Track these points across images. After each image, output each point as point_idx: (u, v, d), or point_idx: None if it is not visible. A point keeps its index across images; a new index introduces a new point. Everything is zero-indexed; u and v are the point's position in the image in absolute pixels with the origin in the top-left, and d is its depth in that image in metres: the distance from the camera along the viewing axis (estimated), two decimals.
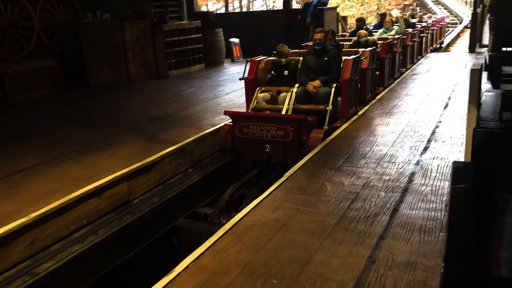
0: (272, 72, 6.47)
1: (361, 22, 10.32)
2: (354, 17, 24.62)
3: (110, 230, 4.24)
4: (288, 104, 6.03)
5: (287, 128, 5.40)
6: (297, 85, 6.22)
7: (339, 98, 6.10)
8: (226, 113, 5.88)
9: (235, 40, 13.45)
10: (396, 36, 9.51)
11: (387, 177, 4.15)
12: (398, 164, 4.47)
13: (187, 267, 2.85)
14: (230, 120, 5.93)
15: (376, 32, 10.66)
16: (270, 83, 6.51)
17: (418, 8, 30.42)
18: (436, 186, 3.89)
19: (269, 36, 13.24)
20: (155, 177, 5.13)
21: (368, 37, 8.45)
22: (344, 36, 10.38)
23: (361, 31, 8.77)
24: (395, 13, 13.74)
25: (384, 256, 2.83)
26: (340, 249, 2.95)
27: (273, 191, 4.02)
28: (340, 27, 14.06)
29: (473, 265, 0.96)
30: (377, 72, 8.01)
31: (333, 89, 5.99)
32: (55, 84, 9.59)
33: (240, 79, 6.75)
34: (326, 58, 6.20)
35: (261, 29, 13.87)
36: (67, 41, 10.43)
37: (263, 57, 6.88)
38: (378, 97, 7.69)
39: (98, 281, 4.07)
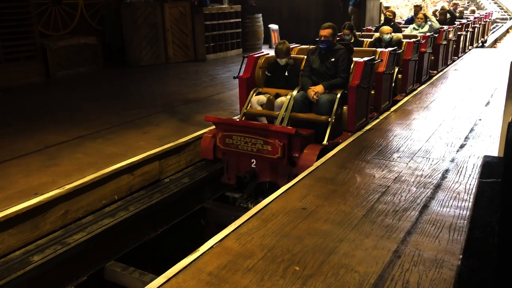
0: (267, 72, 5.66)
1: (390, 14, 8.98)
2: (397, 8, 23.96)
3: (140, 206, 4.34)
4: (285, 111, 5.14)
5: (275, 142, 4.50)
6: (297, 88, 5.33)
7: (345, 108, 5.19)
8: (207, 119, 5.00)
9: (274, 26, 13.36)
10: (427, 34, 8.32)
11: (420, 173, 4.06)
12: (432, 160, 4.37)
13: (211, 247, 2.89)
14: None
15: (407, 27, 9.50)
16: (268, 84, 5.68)
17: (466, 1, 29.31)
18: (470, 184, 3.78)
19: (309, 23, 13.10)
20: (187, 158, 5.20)
21: (392, 34, 7.31)
22: (370, 31, 9.08)
23: (384, 26, 7.54)
24: (441, 6, 12.87)
25: (410, 251, 2.79)
26: (366, 242, 2.92)
27: (301, 179, 4.00)
28: (382, 18, 13.75)
29: (491, 261, 0.93)
30: (400, 76, 7.06)
31: (337, 97, 5.07)
32: (95, 62, 9.83)
33: (235, 77, 5.84)
34: (333, 59, 5.21)
35: (301, 17, 13.74)
36: (108, 19, 10.63)
37: (264, 53, 6.02)
38: (413, 93, 7.50)
39: (125, 255, 4.18)
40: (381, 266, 2.64)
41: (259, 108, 5.49)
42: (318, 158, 4.50)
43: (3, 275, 3.24)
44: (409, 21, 10.48)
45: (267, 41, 13.18)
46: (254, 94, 5.57)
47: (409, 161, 4.36)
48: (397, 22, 9.82)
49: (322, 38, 5.20)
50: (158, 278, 2.56)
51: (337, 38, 6.78)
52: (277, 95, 5.47)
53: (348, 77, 5.21)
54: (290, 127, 4.73)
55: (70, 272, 3.70)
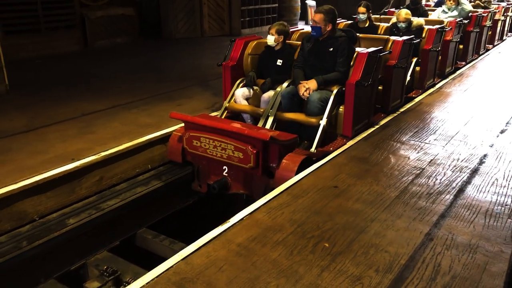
0: (250, 77, 4.79)
1: None
2: None
3: (172, 177, 4.40)
4: (272, 109, 4.43)
5: (247, 149, 3.77)
6: (288, 81, 4.59)
7: (341, 108, 4.38)
8: (173, 115, 4.22)
9: (311, 2, 13.12)
10: (457, 20, 7.20)
11: (457, 156, 3.96)
12: (470, 144, 4.24)
13: (242, 219, 2.91)
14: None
15: (435, 11, 8.35)
16: (258, 74, 4.88)
17: None
18: (510, 171, 3.66)
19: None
20: None
21: (413, 19, 6.24)
22: (392, 13, 7.72)
23: (403, 10, 6.32)
24: None
25: (443, 235, 2.73)
26: (398, 223, 2.88)
27: (334, 157, 3.96)
28: None
29: None
30: (418, 68, 6.10)
31: (332, 95, 4.28)
32: (131, 33, 9.92)
33: (219, 64, 4.98)
34: (332, 49, 4.35)
35: None
36: None
37: (256, 37, 5.20)
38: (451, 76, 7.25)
39: (156, 223, 4.27)
40: (413, 248, 2.60)
41: (244, 102, 4.76)
42: (302, 169, 3.74)
43: (41, 234, 3.37)
44: (439, 4, 9.15)
45: (303, 17, 12.96)
46: (240, 86, 4.85)
47: (446, 144, 4.25)
48: (425, 4, 8.96)
49: (313, 24, 4.42)
50: (189, 246, 2.60)
51: (350, 22, 6.22)
52: (265, 89, 4.69)
53: (348, 71, 4.37)
54: (267, 131, 3.96)
55: (103, 236, 3.81)
